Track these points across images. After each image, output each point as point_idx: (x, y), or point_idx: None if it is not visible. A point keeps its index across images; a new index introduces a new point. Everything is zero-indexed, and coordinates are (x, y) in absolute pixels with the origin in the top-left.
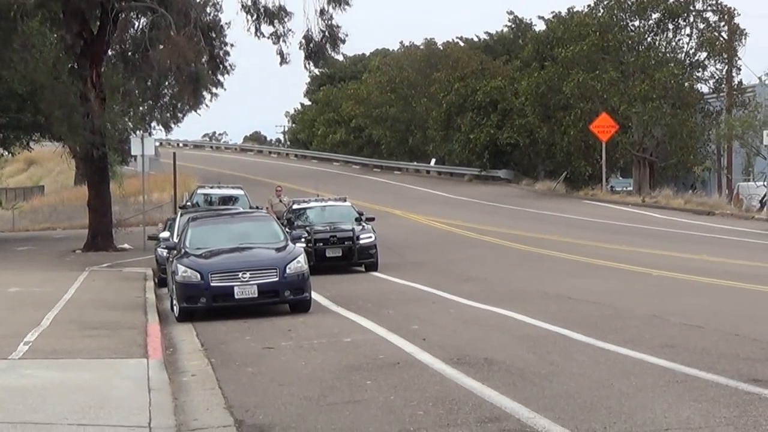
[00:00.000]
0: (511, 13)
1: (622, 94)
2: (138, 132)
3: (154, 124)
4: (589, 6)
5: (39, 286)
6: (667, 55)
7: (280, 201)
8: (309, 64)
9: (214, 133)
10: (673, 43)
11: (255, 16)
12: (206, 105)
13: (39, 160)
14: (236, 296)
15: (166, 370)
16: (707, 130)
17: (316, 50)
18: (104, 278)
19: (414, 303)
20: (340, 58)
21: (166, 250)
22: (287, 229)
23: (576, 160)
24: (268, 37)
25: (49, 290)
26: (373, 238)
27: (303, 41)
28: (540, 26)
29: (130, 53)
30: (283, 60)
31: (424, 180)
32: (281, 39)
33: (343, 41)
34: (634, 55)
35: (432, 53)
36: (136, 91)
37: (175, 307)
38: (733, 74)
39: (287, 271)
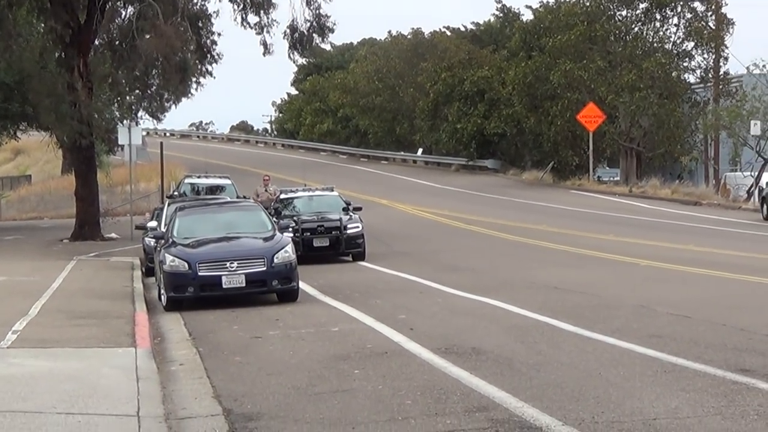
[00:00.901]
0: (498, 2)
1: (610, 84)
2: (125, 121)
3: (141, 113)
4: None
5: (26, 276)
6: (655, 44)
7: (266, 191)
8: (293, 54)
9: (201, 122)
10: (661, 33)
11: (241, 6)
12: (191, 94)
13: (26, 150)
14: (224, 286)
15: (154, 360)
16: (694, 120)
17: (301, 39)
18: (92, 267)
19: (401, 293)
20: (328, 47)
21: (153, 240)
22: (275, 219)
23: (563, 149)
24: (253, 27)
25: (36, 279)
26: (360, 228)
27: (288, 30)
28: (528, 16)
29: (117, 42)
30: (267, 50)
31: (411, 169)
32: (265, 29)
33: (332, 30)
34: (621, 44)
35: (419, 43)
36: (123, 81)
37: (162, 297)
38: (721, 64)
39: (275, 260)
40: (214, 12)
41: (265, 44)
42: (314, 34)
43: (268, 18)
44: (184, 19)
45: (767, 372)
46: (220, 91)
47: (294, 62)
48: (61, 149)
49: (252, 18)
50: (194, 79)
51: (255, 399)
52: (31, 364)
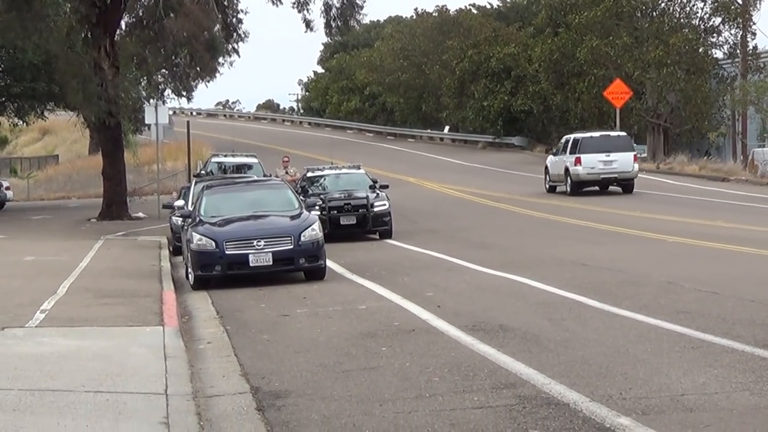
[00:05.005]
0: None
1: (636, 60)
2: (152, 101)
3: (168, 92)
4: None
5: (55, 255)
6: (681, 20)
7: (287, 173)
8: (329, 31)
9: (228, 101)
10: (687, 9)
11: None
12: (219, 72)
13: (53, 130)
14: (251, 264)
15: (182, 338)
16: (722, 96)
17: (338, 17)
18: (119, 247)
19: (428, 270)
20: (356, 26)
21: (180, 219)
22: (301, 197)
23: (590, 126)
24: (293, 6)
25: (64, 259)
26: (387, 206)
27: (323, 8)
28: None
29: (144, 22)
30: (309, 28)
31: (437, 147)
32: (305, 7)
33: (361, 6)
34: (648, 20)
35: (444, 20)
36: (149, 60)
37: (190, 275)
38: (748, 39)
39: (302, 238)
40: None
41: (306, 22)
42: (348, 12)
43: None
44: None
45: None
46: (247, 70)
47: (330, 39)
48: (88, 129)
49: None
50: (222, 58)
51: (283, 377)
52: (60, 343)
